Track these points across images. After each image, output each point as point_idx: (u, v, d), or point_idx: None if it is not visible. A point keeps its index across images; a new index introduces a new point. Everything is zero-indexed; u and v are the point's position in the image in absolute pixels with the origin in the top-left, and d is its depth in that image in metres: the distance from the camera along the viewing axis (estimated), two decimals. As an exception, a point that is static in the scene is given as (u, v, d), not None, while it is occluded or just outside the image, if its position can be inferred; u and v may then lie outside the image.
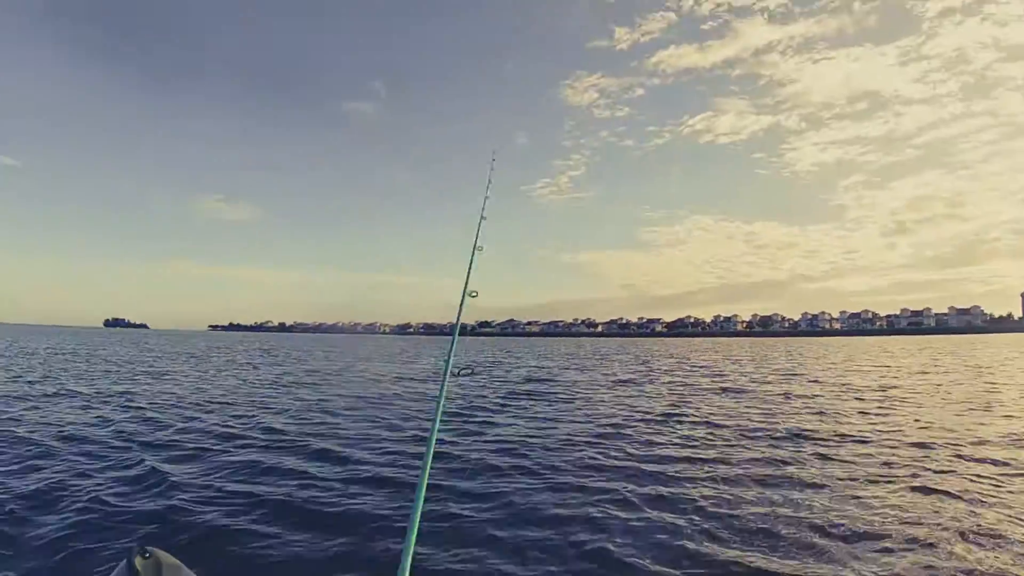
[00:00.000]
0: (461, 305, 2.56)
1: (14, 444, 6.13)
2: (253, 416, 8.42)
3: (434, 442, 1.79)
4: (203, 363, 20.23)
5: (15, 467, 5.25)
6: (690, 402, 10.57)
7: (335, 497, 4.56)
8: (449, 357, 2.21)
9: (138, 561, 1.98)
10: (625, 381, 15.15)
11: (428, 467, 1.68)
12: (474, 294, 2.58)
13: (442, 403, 2.00)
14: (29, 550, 3.40)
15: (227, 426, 7.53)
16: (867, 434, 7.15)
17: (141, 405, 9.20)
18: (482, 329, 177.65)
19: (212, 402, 9.84)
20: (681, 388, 13.24)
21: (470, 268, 2.72)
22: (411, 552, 1.39)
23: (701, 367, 21.03)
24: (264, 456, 5.87)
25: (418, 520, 1.47)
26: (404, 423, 8.09)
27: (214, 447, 6.26)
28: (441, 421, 1.86)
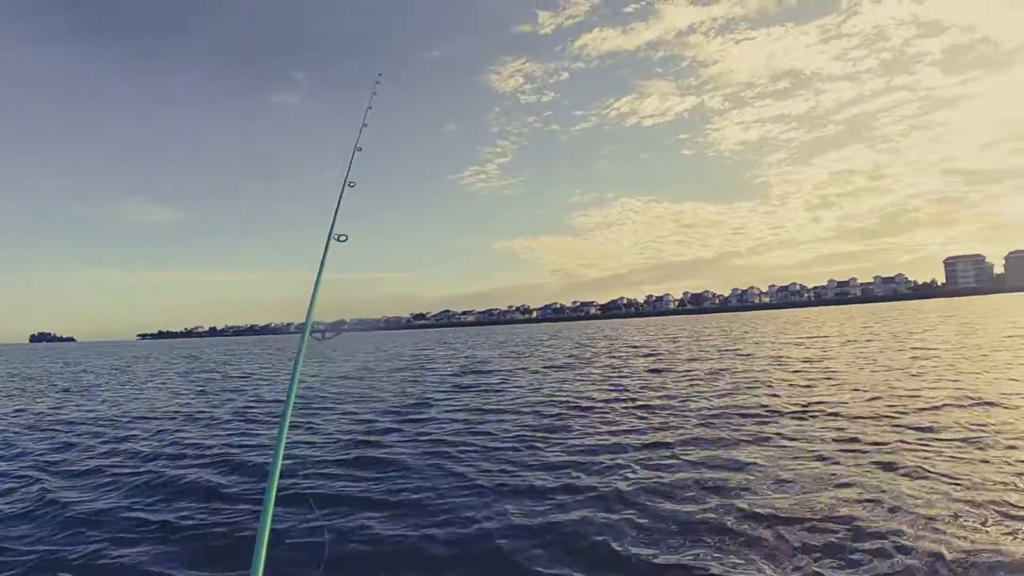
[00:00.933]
0: (325, 251, 2.18)
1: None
2: (157, 432, 8.03)
3: (288, 419, 1.58)
4: (123, 375, 19.70)
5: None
6: (623, 384, 10.48)
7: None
8: (309, 315, 1.95)
9: None
10: (561, 366, 15.03)
11: (280, 455, 1.47)
12: (343, 238, 2.20)
13: (299, 368, 1.77)
14: None
15: (134, 442, 7.21)
16: (805, 408, 7.14)
17: (48, 425, 8.78)
18: (417, 322, 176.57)
19: (122, 418, 9.34)
20: (618, 370, 13.15)
21: (338, 206, 2.38)
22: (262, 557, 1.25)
23: (636, 347, 21.15)
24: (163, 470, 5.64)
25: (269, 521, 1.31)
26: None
27: (116, 466, 5.94)
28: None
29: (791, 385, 9.12)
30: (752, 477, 4.46)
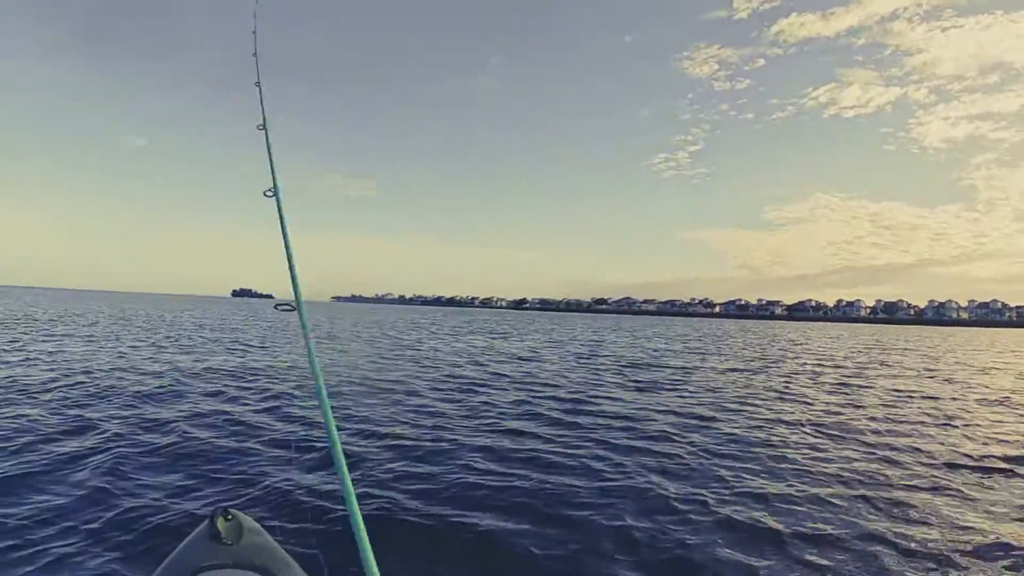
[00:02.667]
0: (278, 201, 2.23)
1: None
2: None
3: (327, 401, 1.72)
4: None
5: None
6: (808, 397, 9.37)
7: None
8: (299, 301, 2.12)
9: (220, 522, 2.01)
10: (748, 369, 14.14)
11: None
12: (269, 194, 2.26)
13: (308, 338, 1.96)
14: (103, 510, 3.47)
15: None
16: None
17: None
18: (597, 306, 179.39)
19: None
20: (809, 380, 12.05)
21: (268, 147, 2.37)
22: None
23: (824, 355, 19.42)
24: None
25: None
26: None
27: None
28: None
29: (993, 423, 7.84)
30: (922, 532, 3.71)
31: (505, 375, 10.93)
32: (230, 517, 2.04)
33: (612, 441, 5.78)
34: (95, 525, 3.23)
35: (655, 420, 6.95)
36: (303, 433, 5.59)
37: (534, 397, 8.47)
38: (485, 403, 7.67)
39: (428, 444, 5.30)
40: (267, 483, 4.06)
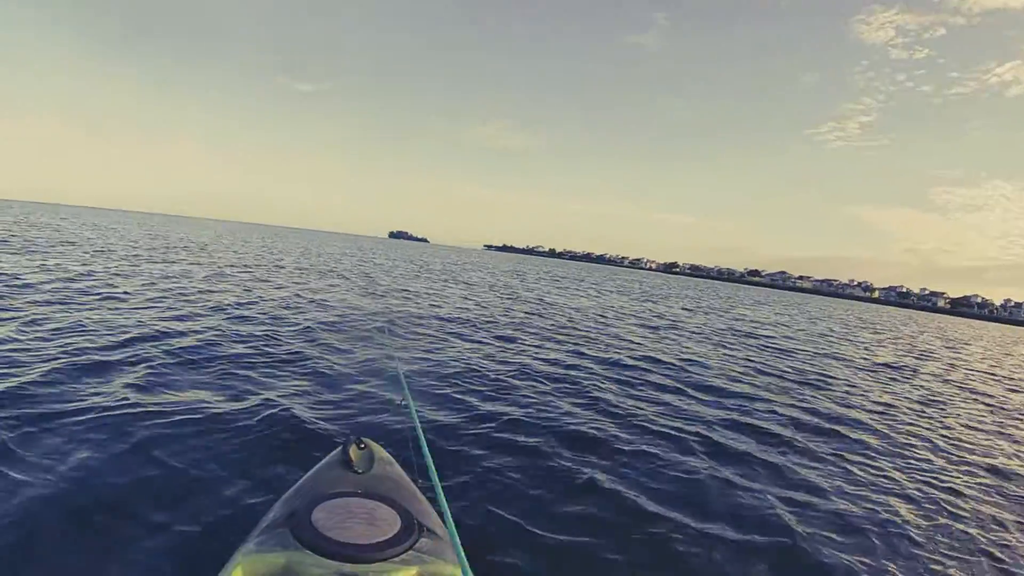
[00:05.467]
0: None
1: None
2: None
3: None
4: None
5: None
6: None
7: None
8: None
9: (352, 450, 2.04)
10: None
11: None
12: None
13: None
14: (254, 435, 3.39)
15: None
16: None
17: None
18: (751, 278, 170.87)
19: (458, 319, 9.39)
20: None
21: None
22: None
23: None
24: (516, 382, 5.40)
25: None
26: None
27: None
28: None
29: None
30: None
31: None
32: (362, 446, 2.11)
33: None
34: (238, 440, 3.23)
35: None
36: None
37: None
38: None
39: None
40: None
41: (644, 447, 4.02)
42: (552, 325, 10.21)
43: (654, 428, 4.49)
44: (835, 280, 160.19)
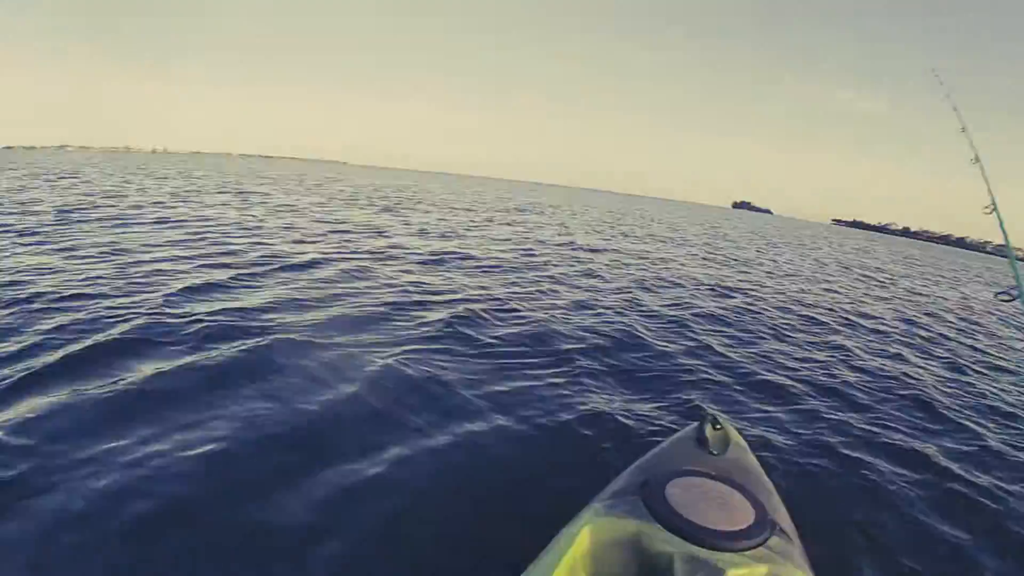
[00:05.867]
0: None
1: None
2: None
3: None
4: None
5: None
6: None
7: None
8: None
9: (708, 430, 1.97)
10: None
11: None
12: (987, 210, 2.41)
13: None
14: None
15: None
16: None
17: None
18: None
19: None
20: None
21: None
22: None
23: None
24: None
25: None
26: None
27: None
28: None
29: None
30: None
31: None
32: (718, 427, 1.99)
33: None
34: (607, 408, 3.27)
35: None
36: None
37: None
38: None
39: None
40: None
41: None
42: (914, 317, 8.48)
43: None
44: None
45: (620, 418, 3.09)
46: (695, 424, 2.03)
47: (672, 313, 5.98)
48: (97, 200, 11.58)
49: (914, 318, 8.28)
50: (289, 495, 2.18)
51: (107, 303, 4.26)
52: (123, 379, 2.96)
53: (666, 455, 1.90)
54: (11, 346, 3.30)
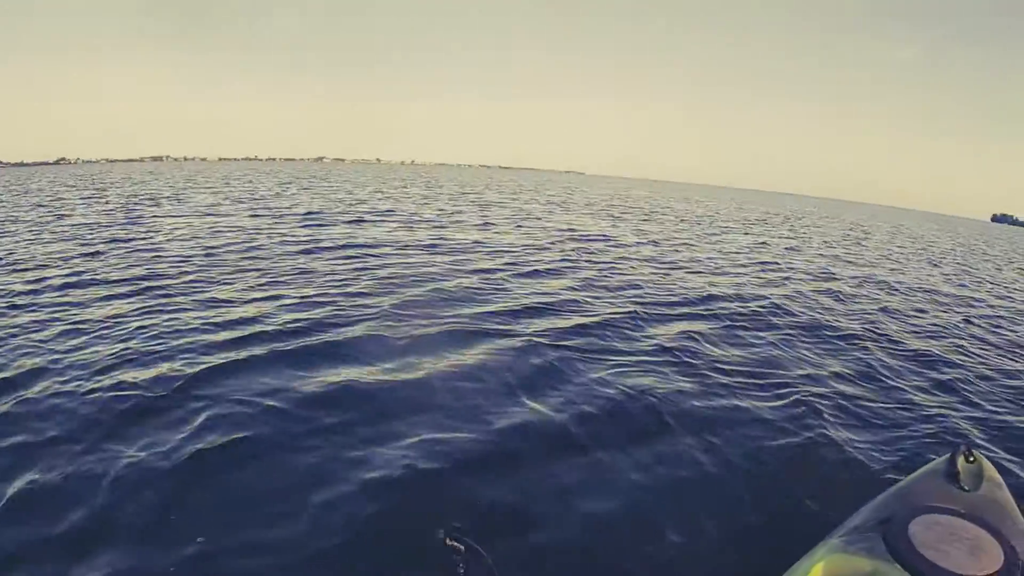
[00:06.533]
0: None
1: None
2: None
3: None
4: None
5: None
6: None
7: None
8: None
9: (960, 462, 1.79)
10: None
11: None
12: None
13: None
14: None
15: None
16: None
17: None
18: None
19: None
20: None
21: None
22: None
23: None
24: None
25: None
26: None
27: None
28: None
29: None
30: None
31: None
32: (972, 459, 1.85)
33: None
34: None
35: None
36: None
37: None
38: None
39: None
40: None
41: None
42: None
43: None
44: None
45: (864, 448, 2.96)
46: (946, 456, 1.89)
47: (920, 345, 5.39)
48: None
49: None
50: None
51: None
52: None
53: (912, 490, 1.79)
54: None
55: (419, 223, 11.40)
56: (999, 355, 5.29)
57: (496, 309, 5.07)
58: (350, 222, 10.91)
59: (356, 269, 6.47)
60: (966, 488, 1.74)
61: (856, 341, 5.17)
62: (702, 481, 2.61)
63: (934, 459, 1.96)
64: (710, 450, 2.87)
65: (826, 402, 3.58)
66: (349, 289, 5.52)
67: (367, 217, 11.82)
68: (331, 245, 8.08)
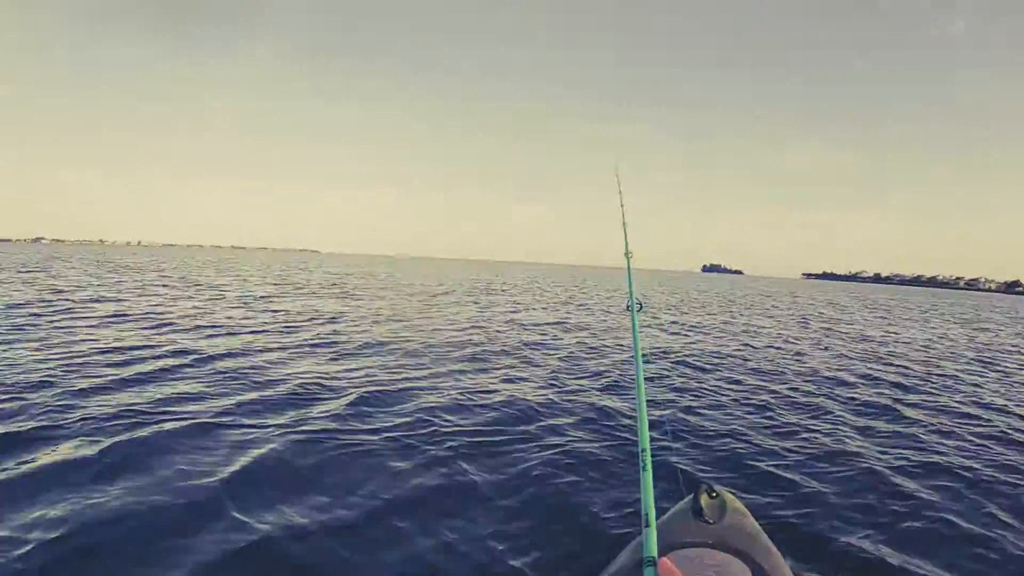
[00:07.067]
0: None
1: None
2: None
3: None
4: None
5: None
6: None
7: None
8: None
9: (703, 499, 1.94)
10: None
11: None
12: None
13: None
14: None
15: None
16: None
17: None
18: None
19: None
20: None
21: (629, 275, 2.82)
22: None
23: None
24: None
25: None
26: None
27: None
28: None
29: None
30: None
31: None
32: (714, 495, 1.99)
33: None
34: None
35: None
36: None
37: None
38: None
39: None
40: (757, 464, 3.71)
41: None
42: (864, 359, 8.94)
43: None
44: None
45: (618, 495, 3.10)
46: (690, 496, 2.00)
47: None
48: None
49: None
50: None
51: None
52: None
53: (663, 530, 1.83)
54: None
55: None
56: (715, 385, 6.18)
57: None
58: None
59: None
60: (711, 521, 1.85)
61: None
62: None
63: (680, 500, 2.09)
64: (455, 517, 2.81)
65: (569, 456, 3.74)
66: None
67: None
68: None
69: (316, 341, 7.56)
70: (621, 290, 27.36)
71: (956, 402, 6.05)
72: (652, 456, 1.45)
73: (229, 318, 9.54)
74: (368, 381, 5.38)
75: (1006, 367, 9.07)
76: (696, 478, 3.30)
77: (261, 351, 6.64)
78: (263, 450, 3.42)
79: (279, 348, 6.91)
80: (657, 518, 1.93)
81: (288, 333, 8.20)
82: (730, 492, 2.12)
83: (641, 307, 2.43)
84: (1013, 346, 12.77)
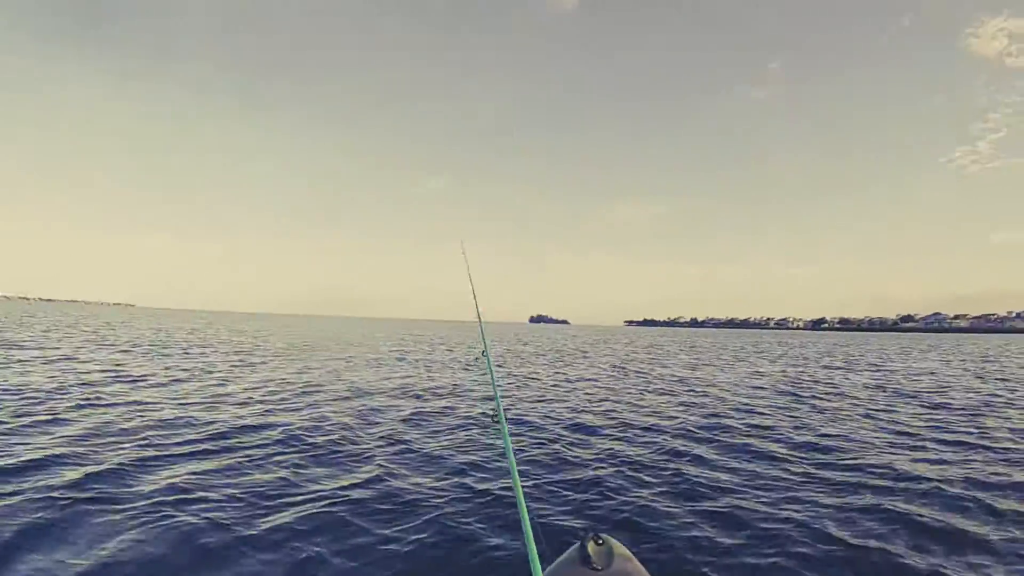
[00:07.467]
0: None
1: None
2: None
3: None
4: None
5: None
6: None
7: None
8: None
9: (591, 547, 1.99)
10: None
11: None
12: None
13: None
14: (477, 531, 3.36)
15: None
16: None
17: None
18: (903, 324, 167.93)
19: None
20: None
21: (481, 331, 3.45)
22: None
23: None
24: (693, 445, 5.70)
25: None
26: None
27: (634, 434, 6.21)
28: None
29: None
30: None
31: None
32: (600, 542, 2.04)
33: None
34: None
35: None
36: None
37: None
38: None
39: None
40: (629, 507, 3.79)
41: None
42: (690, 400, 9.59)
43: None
44: (993, 314, 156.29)
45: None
46: (577, 544, 2.05)
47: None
48: None
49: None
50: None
51: None
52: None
53: None
54: None
55: None
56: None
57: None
58: None
59: None
60: (599, 568, 1.89)
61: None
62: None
63: (567, 548, 2.11)
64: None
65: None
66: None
67: None
68: None
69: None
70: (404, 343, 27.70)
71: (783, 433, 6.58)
72: (527, 509, 1.48)
73: None
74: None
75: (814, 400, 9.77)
76: (577, 527, 3.34)
77: None
78: None
79: None
80: (545, 567, 1.94)
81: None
82: (615, 539, 2.15)
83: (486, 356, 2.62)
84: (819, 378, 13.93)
